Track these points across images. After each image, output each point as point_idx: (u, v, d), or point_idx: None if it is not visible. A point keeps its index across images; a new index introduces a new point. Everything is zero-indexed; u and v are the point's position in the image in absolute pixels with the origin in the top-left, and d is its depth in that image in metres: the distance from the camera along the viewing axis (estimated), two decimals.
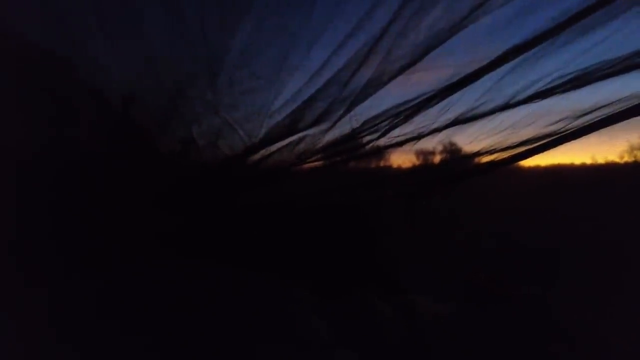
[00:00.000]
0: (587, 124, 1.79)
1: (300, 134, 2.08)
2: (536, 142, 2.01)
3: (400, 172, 3.01)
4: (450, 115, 1.86)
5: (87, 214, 1.92)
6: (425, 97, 1.65)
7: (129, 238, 2.15)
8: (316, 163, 2.51)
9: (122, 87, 1.87)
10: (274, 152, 2.30)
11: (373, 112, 1.84)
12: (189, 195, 2.65)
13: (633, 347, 2.37)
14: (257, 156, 2.37)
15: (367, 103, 1.78)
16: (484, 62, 1.41)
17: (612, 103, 1.71)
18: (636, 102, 1.62)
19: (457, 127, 1.98)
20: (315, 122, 1.93)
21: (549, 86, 1.62)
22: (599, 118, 1.74)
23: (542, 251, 4.13)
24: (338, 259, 3.04)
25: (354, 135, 2.06)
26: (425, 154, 3.47)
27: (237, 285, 2.40)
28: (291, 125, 1.97)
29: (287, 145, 2.20)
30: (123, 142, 2.15)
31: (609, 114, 1.71)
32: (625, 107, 1.65)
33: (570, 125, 1.88)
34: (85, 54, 1.54)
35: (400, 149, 2.23)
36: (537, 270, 3.73)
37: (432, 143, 2.71)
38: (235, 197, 2.91)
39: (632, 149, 7.76)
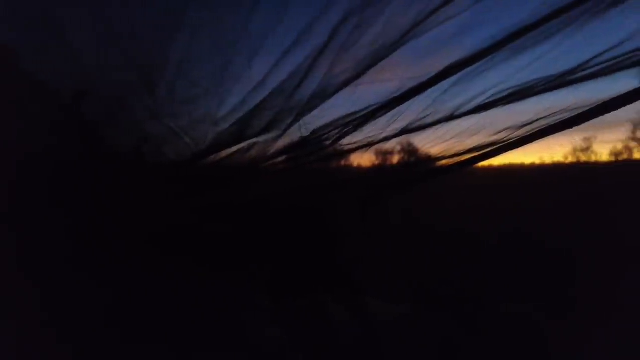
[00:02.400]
0: (528, 133, 1.87)
1: (250, 142, 2.04)
2: (482, 150, 2.08)
3: (357, 175, 3.02)
4: (398, 125, 1.89)
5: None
6: (372, 108, 1.66)
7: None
8: (272, 167, 2.48)
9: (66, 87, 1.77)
10: (224, 158, 2.26)
11: (322, 122, 1.83)
12: (143, 196, 2.55)
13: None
14: (206, 162, 2.31)
15: (316, 112, 1.76)
16: (427, 77, 1.43)
17: (550, 115, 1.79)
18: (571, 115, 1.70)
19: (405, 136, 2.01)
20: (264, 130, 1.90)
21: (490, 99, 1.68)
22: (539, 128, 1.82)
23: (496, 249, 4.28)
24: (292, 261, 3.02)
25: (305, 143, 2.05)
26: (384, 155, 3.50)
27: (187, 289, 2.33)
28: (239, 132, 1.93)
29: (236, 152, 2.16)
30: (74, 139, 2.04)
31: (548, 125, 1.79)
32: (561, 119, 1.74)
33: (513, 135, 1.95)
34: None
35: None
36: (492, 269, 3.86)
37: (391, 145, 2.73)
38: (186, 200, 2.82)
39: (575, 150, 8.49)
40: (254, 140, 2.03)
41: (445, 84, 1.57)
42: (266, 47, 1.31)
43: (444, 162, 2.27)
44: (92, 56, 1.48)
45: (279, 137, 1.98)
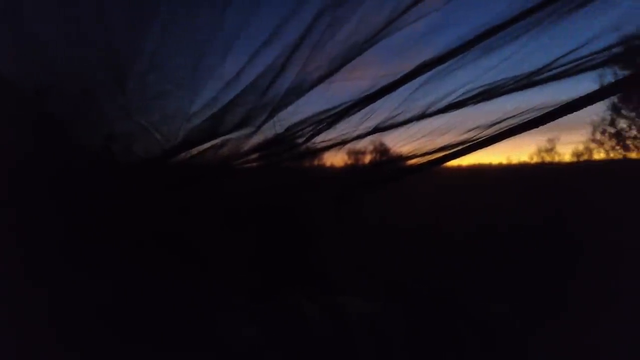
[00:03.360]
0: (497, 132, 1.94)
1: (223, 138, 2.02)
2: (452, 149, 2.14)
3: (330, 174, 3.04)
4: (371, 124, 1.91)
5: None
6: (345, 105, 1.68)
7: None
8: (245, 164, 2.46)
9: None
10: (196, 155, 2.22)
11: (296, 119, 1.84)
12: (112, 194, 2.48)
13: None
14: (178, 159, 2.27)
15: (290, 109, 1.76)
16: (399, 75, 1.45)
17: (517, 114, 1.86)
18: (537, 114, 1.77)
19: (378, 134, 2.04)
20: (237, 127, 1.88)
21: (460, 98, 1.72)
22: (507, 127, 1.88)
23: (465, 247, 4.38)
24: (267, 260, 3.01)
25: (279, 140, 2.04)
26: (356, 154, 3.53)
27: (159, 289, 2.28)
28: (211, 128, 1.90)
29: (209, 148, 2.13)
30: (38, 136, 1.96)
31: (516, 124, 1.86)
32: (528, 119, 1.81)
33: (482, 134, 2.02)
34: None
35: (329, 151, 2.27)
36: (463, 266, 3.94)
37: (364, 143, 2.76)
38: (157, 198, 2.76)
39: (539, 151, 8.87)
40: (227, 136, 2.01)
41: (416, 82, 1.60)
42: (240, 43, 1.31)
43: (415, 160, 2.32)
44: (58, 50, 1.43)
45: (253, 133, 1.97)
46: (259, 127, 1.88)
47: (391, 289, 3.37)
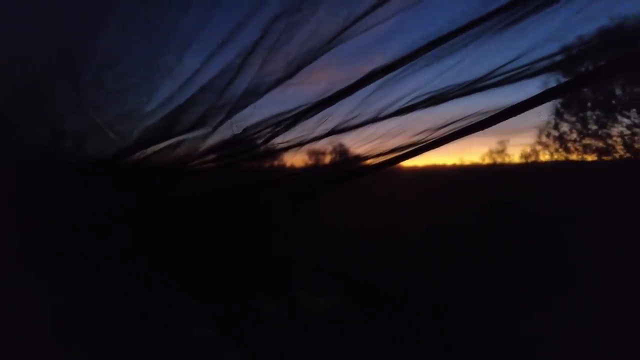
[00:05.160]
0: (445, 134, 2.04)
1: (179, 138, 1.99)
2: (404, 150, 2.23)
3: (287, 174, 3.06)
4: (328, 126, 1.96)
5: None
6: (302, 108, 1.71)
7: None
8: (203, 165, 2.44)
9: None
10: (151, 155, 2.18)
11: (254, 120, 1.85)
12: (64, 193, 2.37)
13: None
14: (133, 158, 2.22)
15: (247, 111, 1.77)
16: (353, 80, 1.51)
17: (464, 118, 1.97)
18: (481, 118, 1.88)
19: (334, 136, 2.09)
20: (194, 127, 1.86)
21: (411, 103, 1.81)
22: (456, 130, 1.99)
23: (421, 245, 4.52)
24: (224, 259, 2.99)
25: (236, 141, 2.04)
26: (313, 155, 3.57)
27: (115, 289, 2.22)
28: (167, 128, 1.88)
29: (165, 148, 2.10)
30: None
31: (462, 127, 1.96)
32: (474, 122, 1.91)
33: (431, 136, 2.12)
34: None
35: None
36: (420, 264, 4.07)
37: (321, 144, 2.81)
38: (113, 197, 2.67)
39: (491, 152, 9.31)
40: (183, 137, 1.99)
41: (370, 88, 1.67)
42: (196, 43, 1.31)
43: (369, 161, 2.40)
44: (7, 45, 1.37)
45: (210, 134, 1.96)
46: (215, 128, 1.88)
47: (347, 287, 3.44)
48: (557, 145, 7.46)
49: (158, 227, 2.75)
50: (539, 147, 8.17)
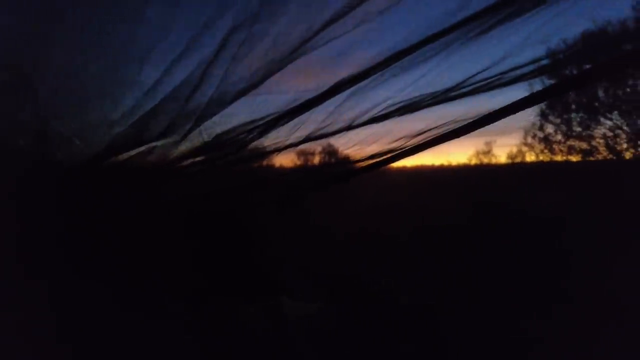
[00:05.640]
0: (421, 142, 2.04)
1: (149, 145, 1.96)
2: (382, 157, 2.23)
3: (267, 178, 3.04)
4: (301, 133, 1.94)
5: None
6: (272, 117, 1.69)
7: None
8: (177, 171, 2.41)
9: None
10: (121, 162, 2.14)
11: (224, 128, 1.82)
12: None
13: None
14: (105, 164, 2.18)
15: (216, 119, 1.75)
16: (321, 90, 1.49)
17: (439, 126, 1.97)
18: (456, 126, 1.88)
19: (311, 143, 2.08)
20: (163, 134, 1.83)
21: (383, 112, 1.79)
22: (431, 137, 1.98)
23: (408, 246, 4.53)
24: (206, 264, 2.96)
25: (208, 148, 2.02)
26: (293, 160, 3.55)
27: (93, 294, 2.18)
28: (136, 136, 1.84)
29: (135, 155, 2.06)
30: None
31: (438, 135, 1.96)
32: (449, 129, 1.91)
33: (408, 143, 2.11)
34: None
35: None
36: (405, 267, 4.07)
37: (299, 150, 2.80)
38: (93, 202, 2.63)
39: (478, 153, 9.48)
40: (153, 144, 1.96)
41: (341, 97, 1.65)
42: (156, 54, 1.27)
43: (347, 167, 2.39)
44: None
45: (180, 142, 1.93)
46: (185, 136, 1.85)
47: (331, 290, 3.43)
48: (542, 146, 7.55)
49: (137, 230, 2.71)
50: (525, 149, 8.27)
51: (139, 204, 2.71)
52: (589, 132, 6.46)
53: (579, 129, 6.64)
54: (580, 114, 6.50)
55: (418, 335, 2.92)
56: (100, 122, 1.70)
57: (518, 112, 1.64)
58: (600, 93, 6.10)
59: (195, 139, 1.93)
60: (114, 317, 2.11)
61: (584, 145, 6.61)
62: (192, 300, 2.70)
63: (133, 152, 2.04)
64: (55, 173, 2.26)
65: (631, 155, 6.06)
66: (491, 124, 1.74)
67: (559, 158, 7.17)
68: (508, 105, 1.65)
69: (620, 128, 6.05)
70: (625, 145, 6.03)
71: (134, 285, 2.46)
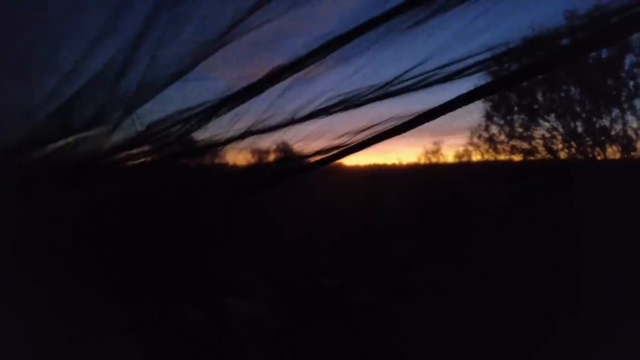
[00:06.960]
0: (365, 138, 2.03)
1: (77, 136, 1.83)
2: (328, 153, 2.21)
3: (210, 175, 2.95)
4: (242, 125, 1.88)
5: None
6: (207, 105, 1.62)
7: None
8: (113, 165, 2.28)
9: None
10: (51, 154, 1.99)
11: (157, 117, 1.73)
12: None
13: None
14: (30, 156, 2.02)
15: (149, 107, 1.66)
16: (256, 79, 1.45)
17: (381, 122, 1.97)
18: (399, 122, 1.88)
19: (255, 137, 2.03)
20: (91, 124, 1.71)
21: (324, 105, 1.77)
22: (374, 134, 1.98)
23: (360, 245, 4.57)
24: (148, 264, 2.83)
25: (143, 138, 1.92)
26: (239, 156, 3.46)
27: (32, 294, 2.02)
28: (61, 125, 1.71)
29: (63, 146, 1.92)
30: None
31: (381, 131, 1.96)
32: (392, 126, 1.92)
33: (352, 139, 2.10)
34: None
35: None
36: (354, 266, 4.10)
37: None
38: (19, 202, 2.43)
39: (426, 153, 9.85)
40: (82, 134, 1.83)
41: (279, 87, 1.61)
42: (74, 34, 1.18)
43: (296, 163, 2.36)
44: None
45: (112, 132, 1.82)
46: (116, 125, 1.74)
47: (279, 290, 3.39)
48: (487, 146, 7.90)
49: (71, 230, 2.54)
50: (471, 148, 8.63)
51: (69, 202, 2.55)
52: (529, 133, 6.84)
53: (520, 130, 7.02)
54: (522, 116, 6.88)
55: (367, 333, 2.95)
56: (15, 109, 1.56)
57: (457, 109, 1.67)
58: (539, 96, 6.47)
59: (129, 130, 1.82)
60: (45, 321, 1.97)
61: (525, 145, 6.99)
62: (133, 302, 2.58)
63: (60, 144, 1.91)
64: None
65: (566, 155, 6.49)
66: (437, 124, 1.77)
67: (502, 157, 7.54)
68: (447, 102, 1.69)
69: (557, 129, 6.45)
70: (560, 146, 6.45)
71: (68, 288, 2.32)
